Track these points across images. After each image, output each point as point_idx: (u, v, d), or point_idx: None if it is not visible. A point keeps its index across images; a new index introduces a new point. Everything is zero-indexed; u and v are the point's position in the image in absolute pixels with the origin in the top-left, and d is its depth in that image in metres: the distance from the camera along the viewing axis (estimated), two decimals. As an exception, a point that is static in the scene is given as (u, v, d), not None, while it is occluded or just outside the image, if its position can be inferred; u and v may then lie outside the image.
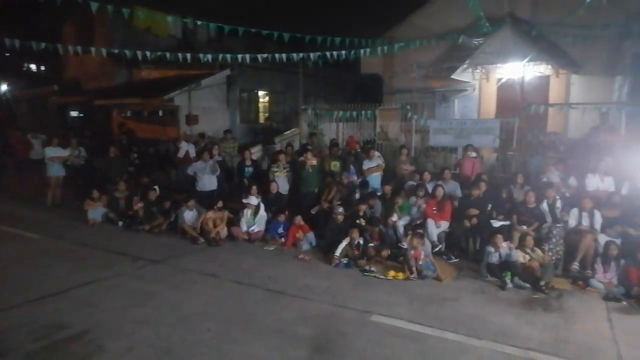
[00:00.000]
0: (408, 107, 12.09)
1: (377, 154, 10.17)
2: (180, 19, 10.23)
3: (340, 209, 8.47)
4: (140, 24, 10.34)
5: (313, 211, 9.19)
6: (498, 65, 12.33)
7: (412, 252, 7.09)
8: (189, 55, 10.23)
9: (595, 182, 8.21)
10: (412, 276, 6.89)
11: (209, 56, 10.60)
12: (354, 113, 12.28)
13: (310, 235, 8.54)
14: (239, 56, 10.78)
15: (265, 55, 10.64)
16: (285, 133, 14.00)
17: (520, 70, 11.29)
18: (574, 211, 7.59)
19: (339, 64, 11.33)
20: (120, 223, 9.69)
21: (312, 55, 10.61)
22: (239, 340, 4.87)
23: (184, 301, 5.87)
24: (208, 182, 9.82)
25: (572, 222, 7.57)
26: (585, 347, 4.92)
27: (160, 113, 16.43)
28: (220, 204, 8.92)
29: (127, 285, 6.38)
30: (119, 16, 9.03)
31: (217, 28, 9.98)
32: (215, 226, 8.70)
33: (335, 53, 10.68)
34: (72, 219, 10.02)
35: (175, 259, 7.66)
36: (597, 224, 7.40)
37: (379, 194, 9.17)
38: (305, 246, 8.38)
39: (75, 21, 19.75)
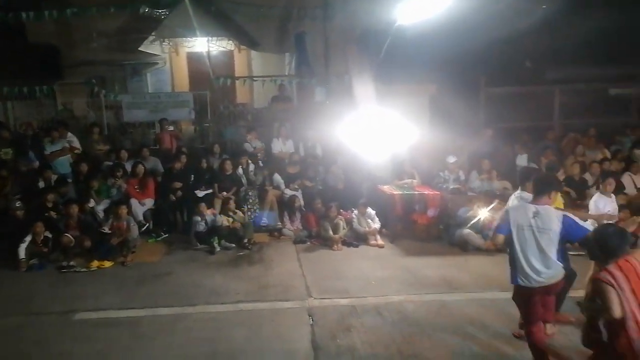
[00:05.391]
0: (94, 81, 11.00)
1: (68, 134, 8.96)
2: None
3: (19, 203, 7.14)
4: None
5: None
6: (186, 39, 12.47)
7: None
8: None
9: (279, 146, 9.47)
10: None
11: None
12: (25, 89, 10.29)
13: (-20, 240, 6.94)
14: None
15: None
16: None
17: (205, 44, 11.73)
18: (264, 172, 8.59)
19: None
20: None
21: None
22: None
23: None
24: None
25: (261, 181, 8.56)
26: (282, 287, 5.73)
27: None
28: None
29: None
30: None
31: None
32: None
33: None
34: None
35: None
36: (281, 182, 8.59)
37: (69, 180, 8.15)
38: (-26, 254, 6.77)
39: None
